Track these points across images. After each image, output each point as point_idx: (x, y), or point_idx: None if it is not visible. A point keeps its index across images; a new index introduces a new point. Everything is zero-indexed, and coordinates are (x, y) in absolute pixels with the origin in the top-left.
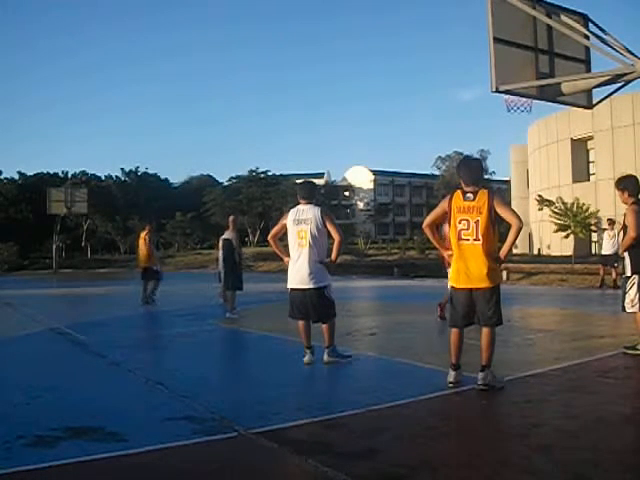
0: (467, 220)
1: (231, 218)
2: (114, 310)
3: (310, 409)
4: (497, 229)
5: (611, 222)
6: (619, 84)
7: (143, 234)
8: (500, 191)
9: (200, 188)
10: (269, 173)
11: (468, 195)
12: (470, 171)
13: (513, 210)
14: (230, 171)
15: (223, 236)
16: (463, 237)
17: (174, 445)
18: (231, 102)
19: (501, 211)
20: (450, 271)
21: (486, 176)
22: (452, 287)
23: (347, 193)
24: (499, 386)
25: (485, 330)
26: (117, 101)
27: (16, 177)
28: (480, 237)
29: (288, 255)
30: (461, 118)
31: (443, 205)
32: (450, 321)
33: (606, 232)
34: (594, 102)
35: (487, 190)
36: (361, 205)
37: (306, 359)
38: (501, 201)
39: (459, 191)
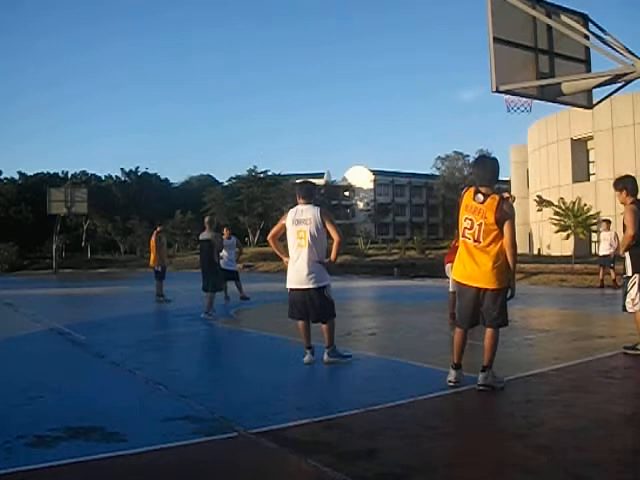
0: (471, 220)
1: (207, 219)
2: (114, 310)
3: (310, 409)
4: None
5: (607, 223)
6: (619, 84)
7: (152, 236)
8: (500, 190)
9: (200, 188)
10: (269, 173)
11: (478, 196)
12: (485, 171)
13: (513, 230)
14: (230, 171)
15: (200, 237)
16: (466, 235)
17: (174, 445)
18: (231, 102)
19: (503, 225)
20: (454, 264)
21: None
22: (458, 282)
23: (347, 193)
24: (499, 386)
25: (489, 331)
26: (117, 101)
27: (16, 177)
28: (480, 240)
29: (288, 255)
30: (461, 118)
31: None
32: (457, 320)
33: (603, 233)
34: (594, 102)
35: (498, 197)
36: (361, 205)
37: (306, 359)
38: (507, 215)
39: (472, 189)
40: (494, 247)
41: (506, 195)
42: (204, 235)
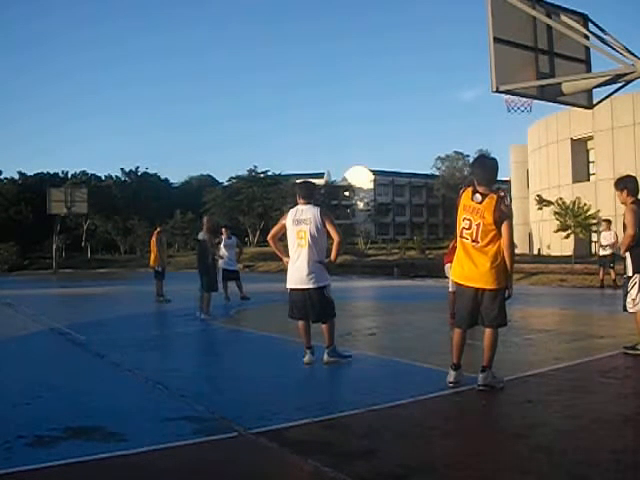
0: (470, 220)
1: (205, 219)
2: (114, 310)
3: (310, 409)
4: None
5: (608, 222)
6: (619, 84)
7: (153, 236)
8: (501, 190)
9: (200, 188)
10: (269, 173)
11: (476, 196)
12: (484, 171)
13: (510, 230)
14: (230, 171)
15: (198, 236)
16: (464, 235)
17: (174, 445)
18: (231, 102)
19: (501, 225)
20: (452, 265)
21: None
22: (456, 283)
23: (347, 193)
24: (499, 386)
25: (488, 331)
26: (117, 101)
27: (16, 177)
28: (479, 240)
29: (288, 255)
30: (461, 118)
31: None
32: (456, 320)
33: (603, 233)
34: (594, 102)
35: (496, 196)
36: (361, 205)
37: (306, 359)
38: (505, 216)
39: (470, 189)
40: (492, 247)
41: (501, 193)
42: (200, 235)
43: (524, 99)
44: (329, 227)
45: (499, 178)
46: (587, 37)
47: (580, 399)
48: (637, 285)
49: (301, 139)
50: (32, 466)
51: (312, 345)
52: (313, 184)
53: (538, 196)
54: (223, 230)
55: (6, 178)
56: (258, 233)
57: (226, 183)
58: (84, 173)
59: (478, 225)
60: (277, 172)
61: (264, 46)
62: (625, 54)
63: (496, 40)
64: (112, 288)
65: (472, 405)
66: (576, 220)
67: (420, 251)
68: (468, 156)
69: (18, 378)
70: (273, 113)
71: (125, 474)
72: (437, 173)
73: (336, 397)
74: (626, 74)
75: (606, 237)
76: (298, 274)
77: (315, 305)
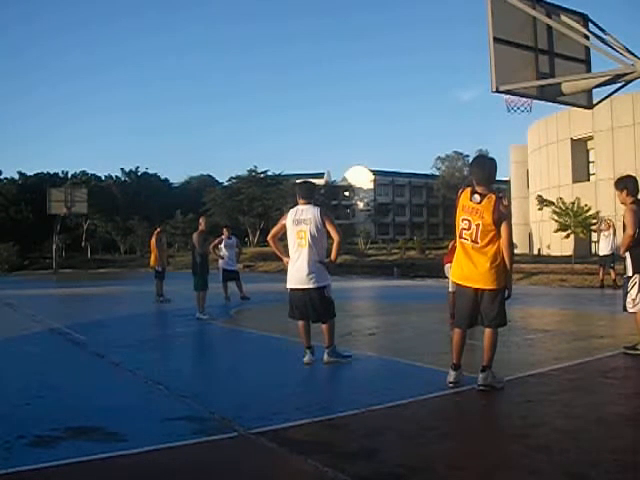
0: (469, 221)
1: (200, 219)
2: (114, 310)
3: (310, 409)
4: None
5: (608, 222)
6: (619, 84)
7: (152, 236)
8: (499, 191)
9: (200, 188)
10: (269, 173)
11: (475, 196)
12: (483, 171)
13: (509, 230)
14: (230, 171)
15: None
16: (463, 236)
17: (174, 445)
18: (231, 102)
19: (500, 225)
20: (452, 265)
21: None
22: (456, 283)
23: (347, 193)
24: (499, 386)
25: (488, 331)
26: (117, 101)
27: (16, 177)
28: (478, 241)
29: (288, 255)
30: (461, 118)
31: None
32: (456, 320)
33: (603, 233)
34: (594, 102)
35: (495, 196)
36: (361, 205)
37: (306, 359)
38: (504, 216)
39: (468, 189)
40: (492, 248)
41: (500, 194)
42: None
43: (524, 99)
44: (329, 227)
45: (499, 178)
46: (587, 37)
47: (580, 399)
48: (637, 285)
49: (301, 139)
50: (32, 466)
51: (312, 345)
52: (313, 184)
53: (539, 196)
54: (224, 230)
55: (6, 178)
56: (258, 233)
57: (226, 183)
58: (84, 173)
59: (477, 226)
60: (277, 172)
61: (264, 46)
62: (625, 54)
63: (496, 40)
64: (112, 288)
65: (472, 405)
66: (576, 220)
67: (420, 251)
68: (468, 156)
69: (18, 378)
70: (273, 113)
71: (125, 474)
72: (437, 173)
73: (336, 397)
74: (626, 74)
75: (604, 244)
76: (298, 274)
77: (315, 305)
